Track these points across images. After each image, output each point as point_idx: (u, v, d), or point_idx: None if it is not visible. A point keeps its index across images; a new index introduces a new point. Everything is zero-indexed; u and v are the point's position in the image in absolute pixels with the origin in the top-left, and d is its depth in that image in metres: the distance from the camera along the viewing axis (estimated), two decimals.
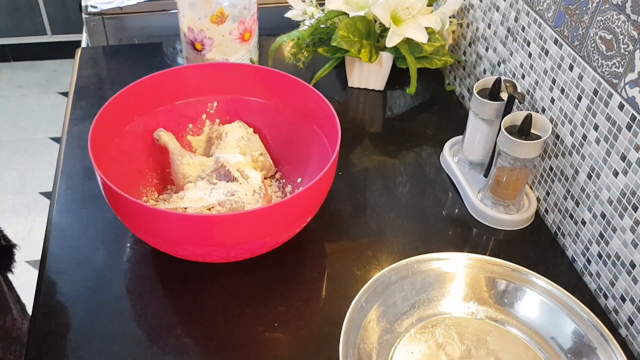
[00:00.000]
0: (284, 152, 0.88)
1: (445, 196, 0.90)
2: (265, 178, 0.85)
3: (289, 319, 0.71)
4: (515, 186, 0.82)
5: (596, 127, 0.73)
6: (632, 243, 0.69)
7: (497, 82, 0.85)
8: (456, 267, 0.72)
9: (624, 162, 0.69)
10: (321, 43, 1.07)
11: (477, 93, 0.86)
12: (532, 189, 0.89)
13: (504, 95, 0.85)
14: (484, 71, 1.03)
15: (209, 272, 0.75)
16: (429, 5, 1.06)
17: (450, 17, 1.08)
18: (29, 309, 0.77)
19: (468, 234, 0.84)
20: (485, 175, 0.90)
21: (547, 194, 0.85)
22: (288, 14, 1.11)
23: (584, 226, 0.78)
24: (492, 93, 0.85)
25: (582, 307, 0.67)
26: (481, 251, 0.80)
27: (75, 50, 1.18)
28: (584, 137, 0.76)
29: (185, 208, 0.74)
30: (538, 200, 0.88)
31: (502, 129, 0.78)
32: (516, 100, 0.82)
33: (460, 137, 0.95)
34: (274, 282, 0.75)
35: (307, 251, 0.79)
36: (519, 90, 0.83)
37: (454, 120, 1.05)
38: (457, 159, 0.94)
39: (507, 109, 0.83)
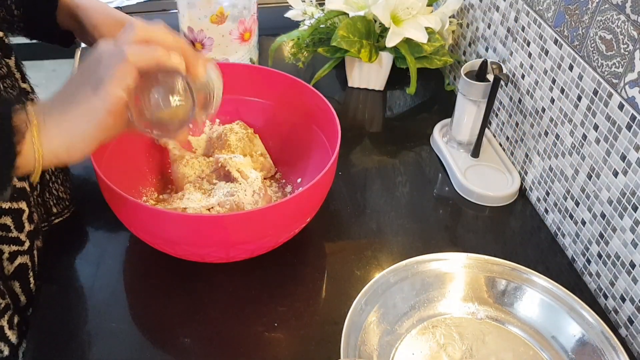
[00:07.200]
0: (284, 153, 0.88)
1: (445, 196, 0.90)
2: (265, 178, 0.85)
3: (289, 319, 0.71)
4: None
5: (596, 127, 0.73)
6: (632, 243, 0.69)
7: (484, 64, 0.88)
8: (456, 267, 0.72)
9: (623, 162, 0.69)
10: (321, 43, 1.07)
11: (465, 75, 0.89)
12: (514, 164, 0.93)
13: (491, 77, 0.88)
14: None
15: (208, 272, 0.75)
16: (429, 5, 1.06)
17: (450, 17, 1.08)
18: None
19: (468, 235, 0.84)
20: (473, 155, 0.94)
21: (547, 194, 0.85)
22: (288, 14, 1.12)
23: (584, 226, 0.78)
24: (479, 75, 0.89)
25: (583, 306, 0.66)
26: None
27: (75, 50, 1.18)
28: (584, 137, 0.76)
29: (185, 208, 0.74)
30: (522, 177, 0.91)
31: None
32: (501, 81, 0.86)
33: (449, 119, 0.98)
34: (274, 282, 0.75)
35: (307, 251, 0.79)
36: (504, 72, 0.87)
37: None
38: (446, 139, 0.98)
39: (493, 90, 0.86)
